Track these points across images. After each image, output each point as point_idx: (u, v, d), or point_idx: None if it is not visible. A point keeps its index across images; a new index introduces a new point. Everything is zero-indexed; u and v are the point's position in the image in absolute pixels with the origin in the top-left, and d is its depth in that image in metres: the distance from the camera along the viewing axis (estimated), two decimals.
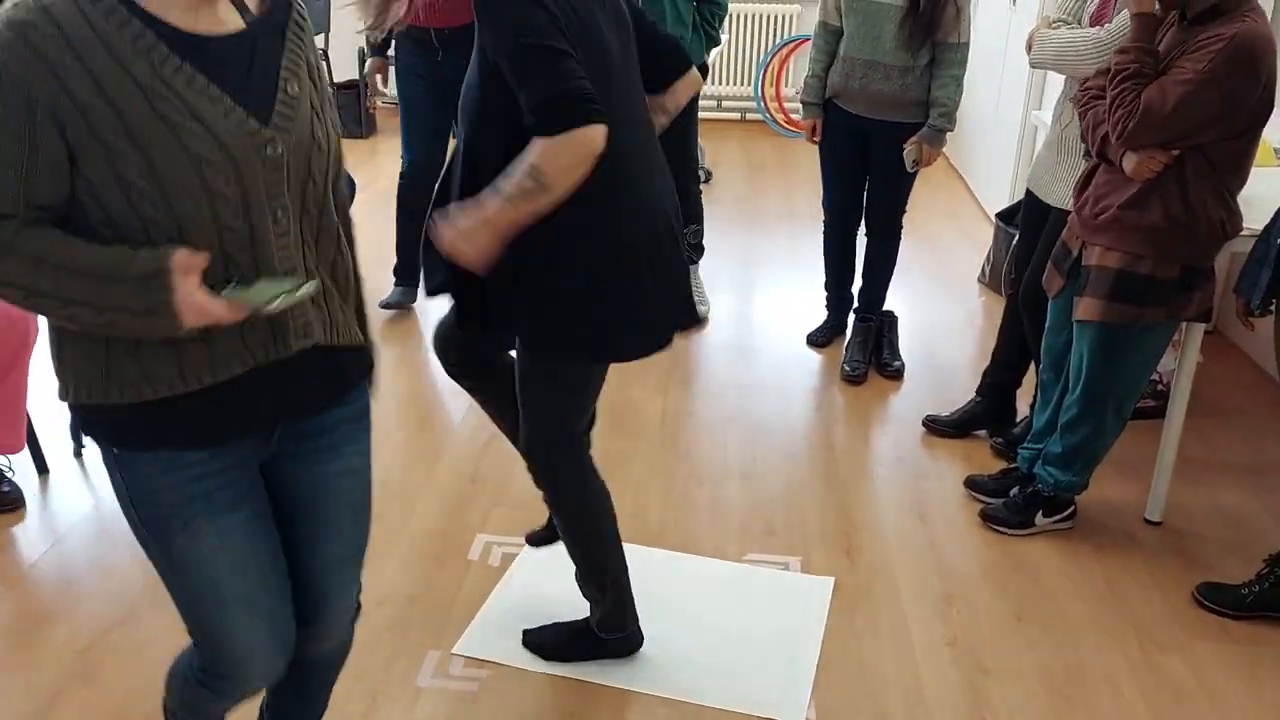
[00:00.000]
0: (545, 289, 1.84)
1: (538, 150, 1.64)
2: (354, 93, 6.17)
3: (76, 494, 2.76)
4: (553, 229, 1.75)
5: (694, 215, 3.95)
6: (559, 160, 1.64)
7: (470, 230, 1.73)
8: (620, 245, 1.84)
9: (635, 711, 2.09)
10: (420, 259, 1.98)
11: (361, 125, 6.25)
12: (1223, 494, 2.91)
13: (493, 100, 1.76)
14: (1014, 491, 2.76)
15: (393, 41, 3.72)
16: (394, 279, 3.93)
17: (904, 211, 3.53)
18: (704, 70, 3.73)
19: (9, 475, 2.71)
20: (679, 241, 1.97)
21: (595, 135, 1.63)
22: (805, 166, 6.00)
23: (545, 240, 1.77)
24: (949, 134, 3.31)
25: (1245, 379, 3.57)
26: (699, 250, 4.02)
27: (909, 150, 3.29)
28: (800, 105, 3.51)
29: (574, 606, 2.35)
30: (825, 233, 3.68)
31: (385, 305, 3.87)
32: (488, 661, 2.20)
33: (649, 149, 1.93)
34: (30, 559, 2.49)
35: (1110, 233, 2.37)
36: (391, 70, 3.82)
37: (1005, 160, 4.97)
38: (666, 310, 1.94)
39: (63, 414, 3.10)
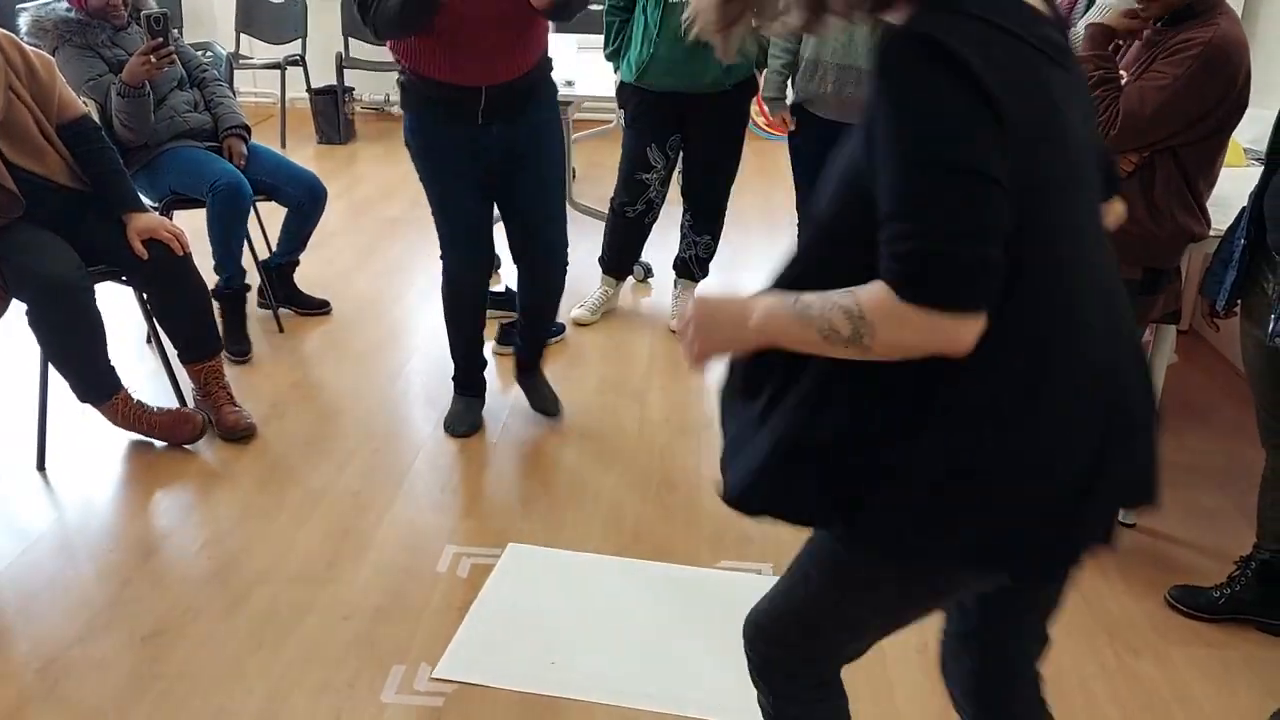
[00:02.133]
0: (924, 469, 1.20)
1: (881, 307, 1.12)
2: (332, 98, 6.14)
3: (39, 508, 2.72)
4: (956, 396, 1.18)
5: (714, 228, 3.89)
6: (901, 337, 1.13)
7: (724, 324, 1.29)
8: (1041, 425, 1.20)
9: None
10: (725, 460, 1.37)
11: (340, 131, 6.22)
12: (1196, 495, 2.89)
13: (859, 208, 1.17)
14: None
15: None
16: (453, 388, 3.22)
17: None
18: (754, 85, 3.64)
19: None
20: (1134, 423, 1.28)
21: (967, 333, 1.11)
22: (783, 169, 5.98)
23: (943, 407, 1.18)
24: None
25: (1219, 378, 3.56)
26: (705, 268, 3.99)
27: None
28: (766, 102, 3.50)
29: (553, 618, 2.33)
30: None
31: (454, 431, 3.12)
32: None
33: (1108, 290, 1.29)
34: None
35: None
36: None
37: None
38: (1085, 521, 1.30)
39: (24, 426, 3.06)
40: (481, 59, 2.60)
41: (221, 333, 3.43)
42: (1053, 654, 2.27)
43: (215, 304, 3.43)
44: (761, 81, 3.59)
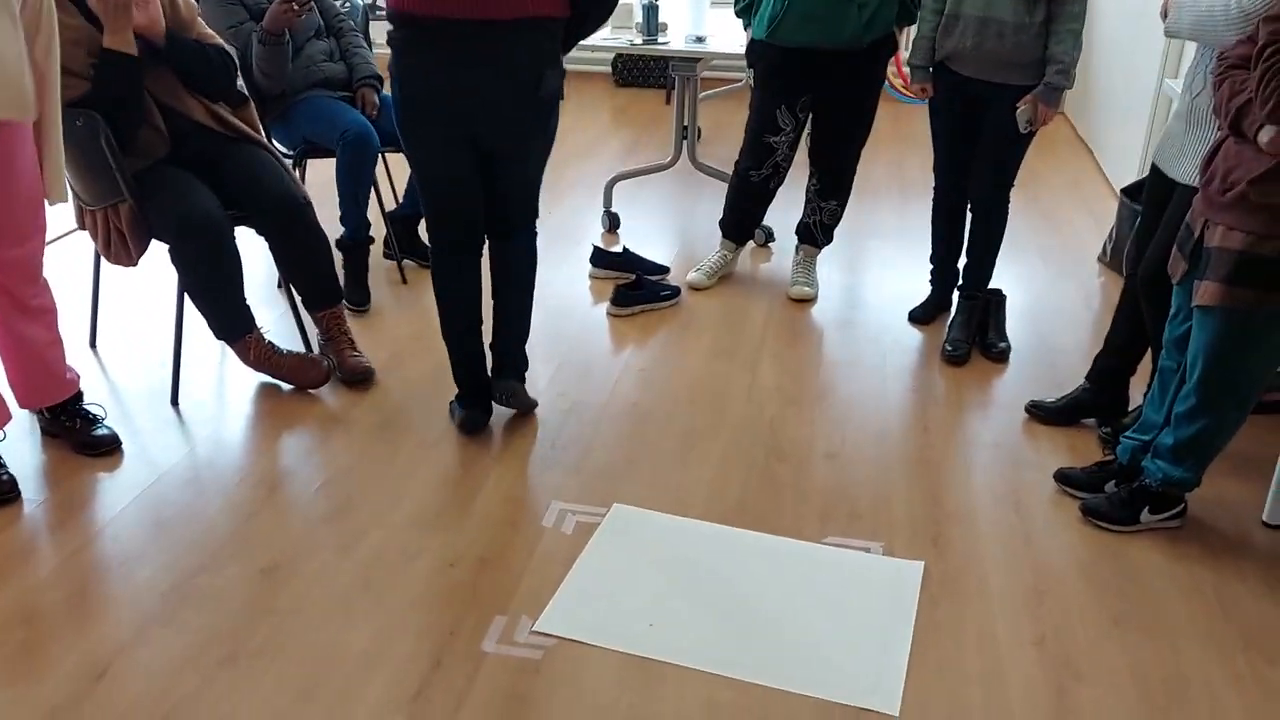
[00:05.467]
0: None
1: None
2: None
3: (171, 441, 2.83)
4: None
5: (841, 194, 3.79)
6: None
7: None
8: None
9: (696, 690, 2.04)
10: None
11: None
12: None
13: None
14: (1110, 486, 2.60)
15: None
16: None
17: (1012, 184, 3.35)
18: (893, 45, 3.50)
19: (104, 421, 2.80)
20: None
21: None
22: (919, 134, 5.79)
23: None
24: (1068, 93, 3.12)
25: None
26: (830, 234, 3.89)
27: (1022, 109, 3.12)
28: (909, 68, 3.36)
29: (654, 581, 2.31)
30: (934, 202, 3.53)
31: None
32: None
33: None
34: (123, 501, 2.56)
35: (1235, 211, 2.19)
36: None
37: (1135, 132, 4.69)
38: None
39: (160, 363, 3.20)
40: None
41: (343, 283, 3.51)
42: (1179, 657, 2.16)
43: (339, 255, 3.52)
44: (903, 41, 3.45)
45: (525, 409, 2.97)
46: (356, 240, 3.61)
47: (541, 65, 2.50)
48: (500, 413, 3.00)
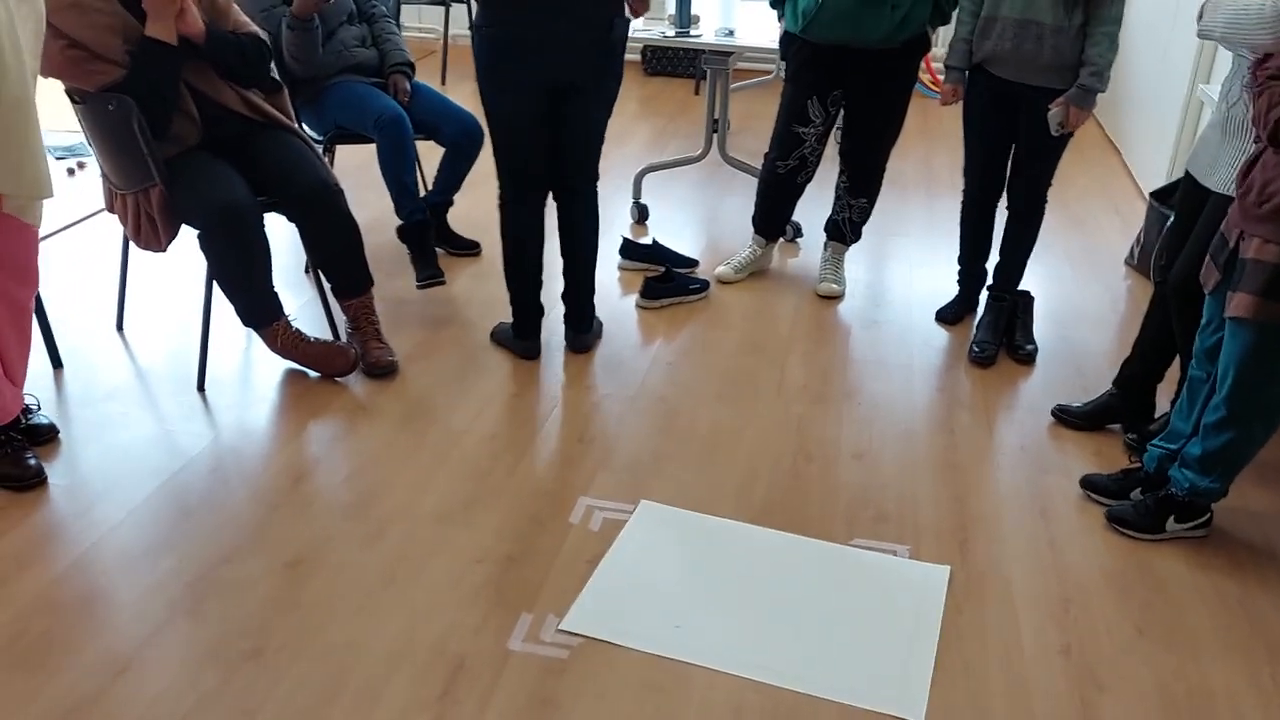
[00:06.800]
0: None
1: None
2: None
3: (196, 428, 2.85)
4: None
5: (871, 191, 3.77)
6: None
7: None
8: None
9: (723, 693, 2.04)
10: None
11: None
12: None
13: None
14: (1135, 493, 2.59)
15: None
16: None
17: (1049, 185, 3.33)
18: (926, 44, 3.46)
19: (36, 410, 2.80)
20: None
21: None
22: (948, 131, 5.74)
23: None
24: (1099, 96, 3.09)
25: None
26: (858, 231, 3.87)
27: (1054, 111, 3.09)
28: (944, 69, 3.33)
29: (681, 581, 2.31)
30: (963, 204, 3.51)
31: None
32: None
33: None
34: (147, 489, 2.58)
35: (1272, 224, 2.16)
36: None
37: (1165, 135, 4.65)
38: None
39: (188, 349, 3.21)
40: None
41: (412, 264, 3.56)
42: (1203, 669, 2.15)
43: (406, 242, 3.60)
44: (936, 40, 3.42)
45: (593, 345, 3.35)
46: (416, 223, 3.58)
47: (612, 12, 2.86)
48: (523, 402, 3.01)
